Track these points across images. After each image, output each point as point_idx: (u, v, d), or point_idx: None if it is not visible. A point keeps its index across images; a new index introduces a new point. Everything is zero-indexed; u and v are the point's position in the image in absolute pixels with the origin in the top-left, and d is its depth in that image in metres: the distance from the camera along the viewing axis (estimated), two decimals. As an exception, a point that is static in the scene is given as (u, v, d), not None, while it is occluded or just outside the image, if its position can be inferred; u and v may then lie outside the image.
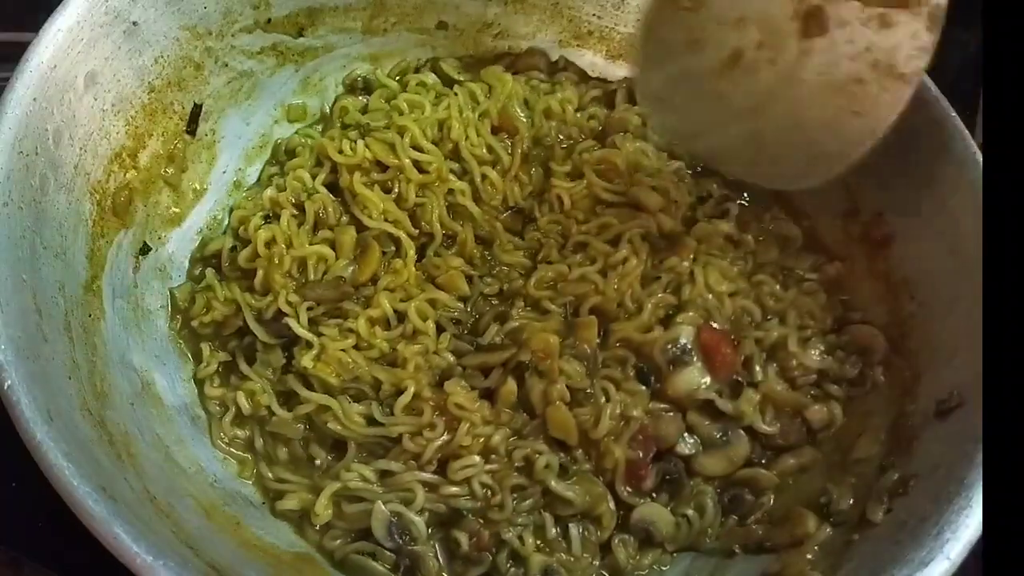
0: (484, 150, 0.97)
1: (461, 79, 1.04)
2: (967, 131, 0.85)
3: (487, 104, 0.99)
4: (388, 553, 0.79)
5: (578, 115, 1.02)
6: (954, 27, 0.75)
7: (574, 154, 0.98)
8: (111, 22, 0.83)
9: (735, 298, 0.90)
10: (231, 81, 0.98)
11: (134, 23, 0.85)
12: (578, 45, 1.08)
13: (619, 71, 1.08)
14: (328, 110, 1.05)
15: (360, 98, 1.04)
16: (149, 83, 0.89)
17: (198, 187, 0.97)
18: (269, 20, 0.98)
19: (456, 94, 0.99)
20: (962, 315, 0.80)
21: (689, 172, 0.98)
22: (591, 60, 1.08)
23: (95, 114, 0.83)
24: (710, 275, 0.90)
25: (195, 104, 0.94)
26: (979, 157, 0.82)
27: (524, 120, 0.99)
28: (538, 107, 1.01)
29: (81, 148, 0.81)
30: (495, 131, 0.98)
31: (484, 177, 0.96)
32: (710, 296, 0.89)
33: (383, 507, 0.79)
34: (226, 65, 0.96)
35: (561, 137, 1.00)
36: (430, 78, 1.04)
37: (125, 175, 0.87)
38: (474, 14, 1.06)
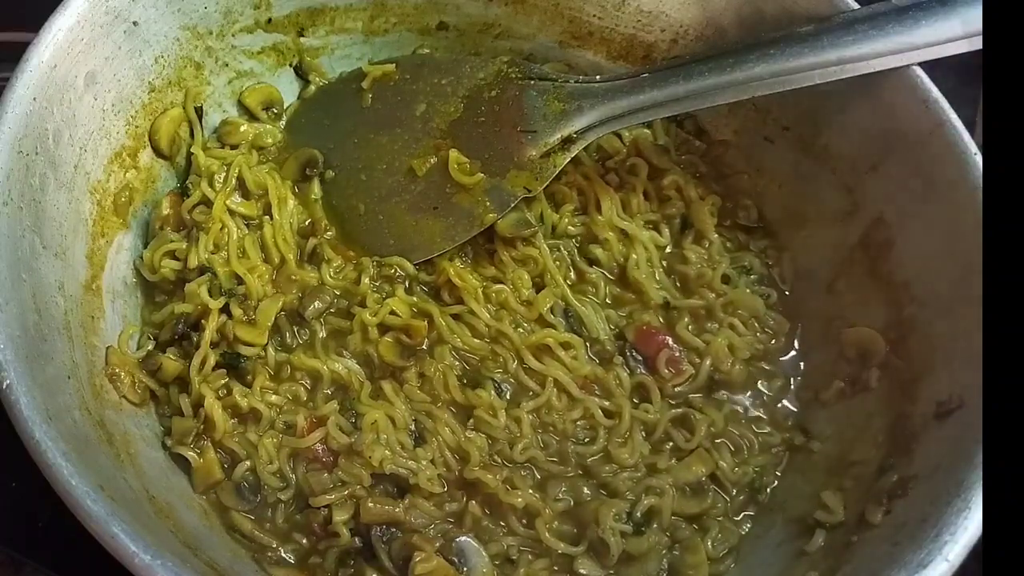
0: None
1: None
2: (967, 131, 0.84)
3: None
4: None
5: None
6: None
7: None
8: (111, 22, 0.83)
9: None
10: (231, 81, 0.98)
11: (134, 23, 0.85)
12: (579, 46, 1.07)
13: (620, 72, 1.08)
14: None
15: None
16: (149, 83, 0.89)
17: (198, 187, 0.97)
18: (270, 20, 0.98)
19: None
20: (962, 317, 0.80)
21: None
22: (592, 60, 1.08)
23: (95, 114, 0.83)
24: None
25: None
26: (979, 157, 0.82)
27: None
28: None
29: (81, 148, 0.81)
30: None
31: None
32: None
33: None
34: (226, 65, 0.97)
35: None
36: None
37: (125, 175, 0.87)
38: (475, 15, 1.05)
